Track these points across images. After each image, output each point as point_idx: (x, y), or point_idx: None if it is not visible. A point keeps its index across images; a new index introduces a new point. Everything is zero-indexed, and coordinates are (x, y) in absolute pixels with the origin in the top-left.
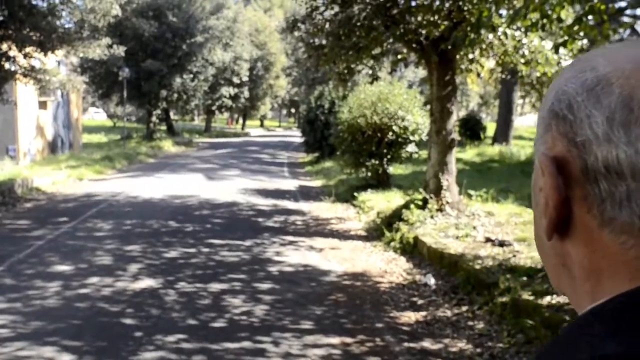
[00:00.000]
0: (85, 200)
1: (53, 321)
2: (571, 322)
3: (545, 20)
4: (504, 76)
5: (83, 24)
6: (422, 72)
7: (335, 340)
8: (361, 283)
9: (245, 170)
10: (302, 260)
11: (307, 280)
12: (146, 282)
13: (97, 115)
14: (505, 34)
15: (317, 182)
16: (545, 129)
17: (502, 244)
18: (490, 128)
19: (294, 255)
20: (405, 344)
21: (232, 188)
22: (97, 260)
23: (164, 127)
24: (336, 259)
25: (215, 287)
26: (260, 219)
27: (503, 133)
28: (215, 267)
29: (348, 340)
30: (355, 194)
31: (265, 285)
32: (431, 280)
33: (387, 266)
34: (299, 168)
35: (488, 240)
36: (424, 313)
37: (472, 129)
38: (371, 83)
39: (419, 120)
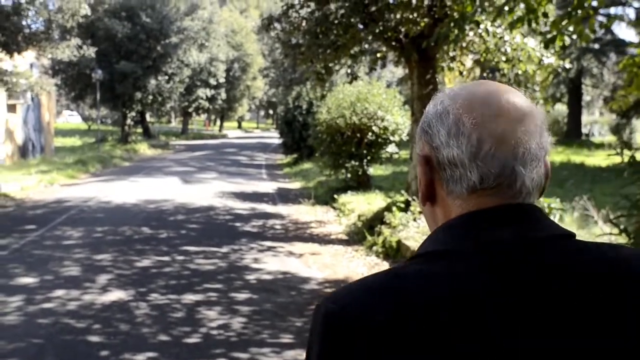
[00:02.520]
0: (56, 207)
1: (12, 340)
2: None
3: (531, 15)
4: (485, 74)
5: (51, 24)
6: (399, 72)
7: None
8: None
9: (223, 173)
10: (281, 267)
11: (287, 289)
12: (116, 294)
13: (72, 118)
14: (486, 30)
15: (295, 184)
16: (419, 138)
17: None
18: None
19: (272, 261)
20: None
21: (208, 191)
22: (65, 271)
23: (139, 130)
24: (317, 264)
25: (190, 298)
26: (237, 224)
27: None
28: (189, 277)
29: None
30: (335, 196)
31: (242, 295)
32: None
33: (369, 272)
34: (277, 170)
35: None
36: None
37: None
38: (350, 82)
39: (398, 120)
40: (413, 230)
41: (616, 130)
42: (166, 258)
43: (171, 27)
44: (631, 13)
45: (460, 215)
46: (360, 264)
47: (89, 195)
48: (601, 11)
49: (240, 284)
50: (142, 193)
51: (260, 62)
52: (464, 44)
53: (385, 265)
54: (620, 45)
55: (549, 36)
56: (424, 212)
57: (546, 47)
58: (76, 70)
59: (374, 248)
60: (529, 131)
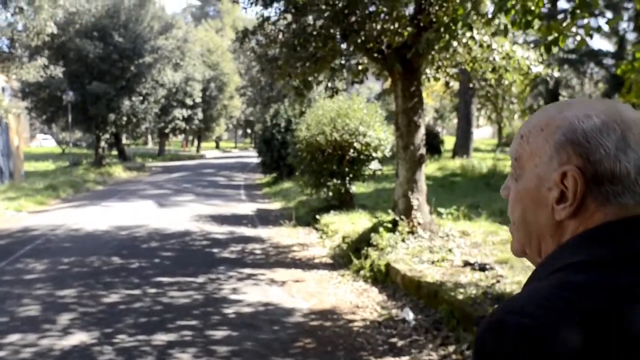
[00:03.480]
0: (21, 236)
1: None
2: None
3: (529, 16)
4: (472, 85)
5: (14, 44)
6: (377, 89)
7: None
8: (331, 323)
9: (200, 195)
10: (263, 298)
11: (269, 323)
12: (78, 337)
13: (46, 142)
14: (473, 38)
15: (276, 205)
16: (558, 149)
17: (483, 268)
18: (448, 141)
19: (253, 291)
20: None
21: (185, 215)
22: (22, 312)
23: (115, 152)
24: (301, 293)
25: (161, 338)
26: (215, 250)
27: (463, 146)
28: (162, 313)
29: None
30: (318, 216)
31: (220, 333)
32: (410, 315)
33: (358, 299)
34: (256, 190)
35: (467, 264)
36: (406, 358)
37: (430, 143)
38: (330, 97)
39: (381, 135)
40: (402, 252)
41: None
42: (137, 291)
43: (145, 46)
44: (604, 24)
45: (610, 225)
46: (347, 291)
47: (58, 223)
48: (577, 22)
49: (218, 320)
50: (114, 219)
51: (237, 81)
52: (447, 56)
53: (374, 291)
54: (597, 56)
55: (550, 38)
56: (531, 230)
57: (547, 49)
58: (47, 92)
59: (362, 272)
60: None
